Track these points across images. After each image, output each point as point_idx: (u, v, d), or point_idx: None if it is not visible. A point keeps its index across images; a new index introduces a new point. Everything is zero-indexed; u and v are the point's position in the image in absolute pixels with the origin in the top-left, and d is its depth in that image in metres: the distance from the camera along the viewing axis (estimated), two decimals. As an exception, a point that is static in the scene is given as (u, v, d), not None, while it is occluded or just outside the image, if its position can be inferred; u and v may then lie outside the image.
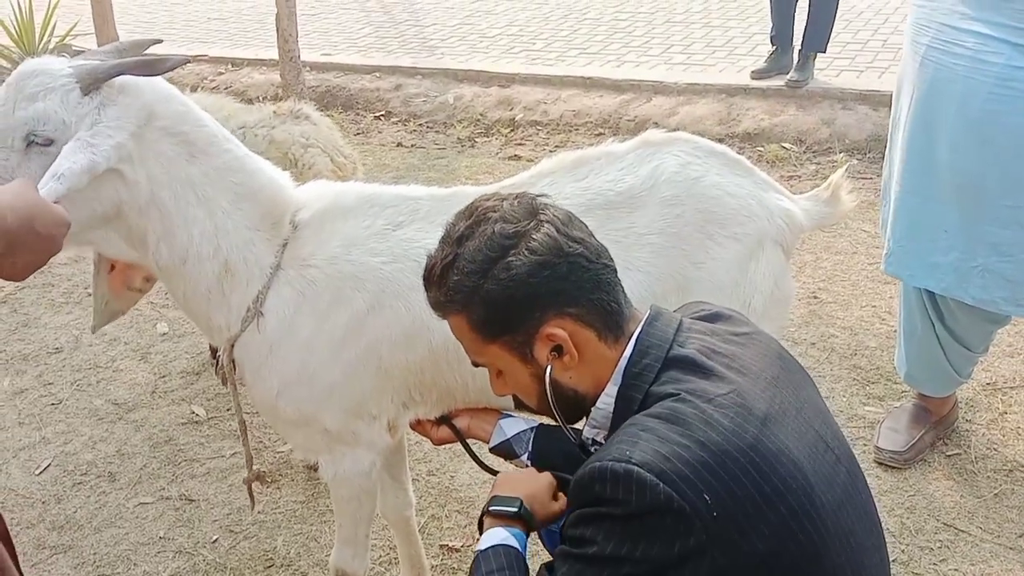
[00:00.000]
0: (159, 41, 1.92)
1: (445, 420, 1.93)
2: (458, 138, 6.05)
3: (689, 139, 2.03)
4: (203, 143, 1.78)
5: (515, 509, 1.53)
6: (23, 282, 4.37)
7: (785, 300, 2.08)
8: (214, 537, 2.80)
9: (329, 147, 2.95)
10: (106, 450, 3.22)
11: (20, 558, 1.67)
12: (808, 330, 3.59)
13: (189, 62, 2.02)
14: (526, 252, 1.36)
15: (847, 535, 1.34)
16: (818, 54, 5.68)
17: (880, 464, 2.87)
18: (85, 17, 7.62)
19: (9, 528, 1.66)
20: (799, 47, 5.68)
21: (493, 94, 6.41)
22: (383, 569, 2.63)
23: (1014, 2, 2.34)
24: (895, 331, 3.17)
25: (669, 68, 6.37)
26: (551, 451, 1.75)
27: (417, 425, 1.97)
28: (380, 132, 6.33)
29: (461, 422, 1.90)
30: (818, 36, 5.54)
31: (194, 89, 6.52)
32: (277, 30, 6.14)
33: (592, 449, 1.63)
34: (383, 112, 6.60)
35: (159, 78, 1.75)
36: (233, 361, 1.90)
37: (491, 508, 1.55)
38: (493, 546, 1.48)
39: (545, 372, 1.42)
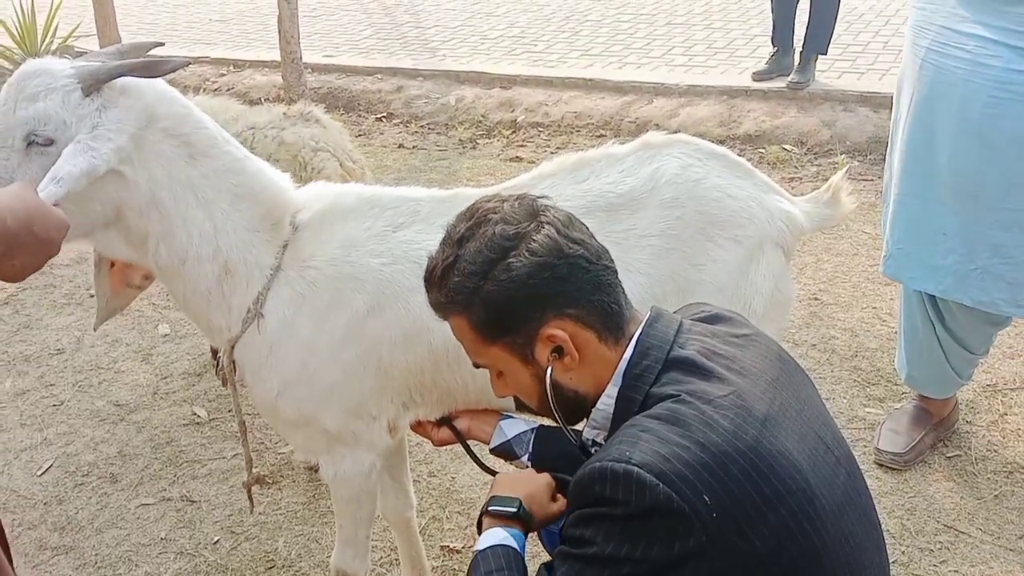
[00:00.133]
0: (160, 44, 1.92)
1: (445, 421, 1.93)
2: (459, 140, 6.06)
3: (690, 141, 2.03)
4: (203, 145, 1.78)
5: (514, 509, 1.53)
6: (24, 283, 4.38)
7: (785, 302, 2.08)
8: (215, 538, 2.80)
9: (339, 151, 2.93)
10: (108, 451, 3.23)
11: (22, 559, 1.67)
12: (809, 332, 3.59)
13: (190, 64, 2.03)
14: (527, 253, 1.37)
15: (847, 536, 1.34)
16: (819, 56, 5.68)
17: (880, 466, 2.87)
18: (87, 19, 7.63)
19: (10, 529, 1.66)
20: (800, 49, 5.69)
21: (495, 96, 6.41)
22: (384, 570, 2.64)
23: (1014, 5, 2.35)
24: (896, 333, 3.18)
25: (670, 70, 6.37)
26: (551, 452, 1.76)
27: (418, 426, 1.98)
28: (381, 134, 6.34)
29: (461, 423, 1.91)
30: (819, 38, 5.54)
31: (196, 91, 6.54)
32: (279, 32, 6.15)
33: (592, 450, 1.63)
34: (384, 114, 6.61)
35: (160, 80, 1.76)
36: (233, 362, 1.91)
37: (490, 508, 1.55)
38: (492, 546, 1.48)
39: (546, 373, 1.42)
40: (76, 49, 7.24)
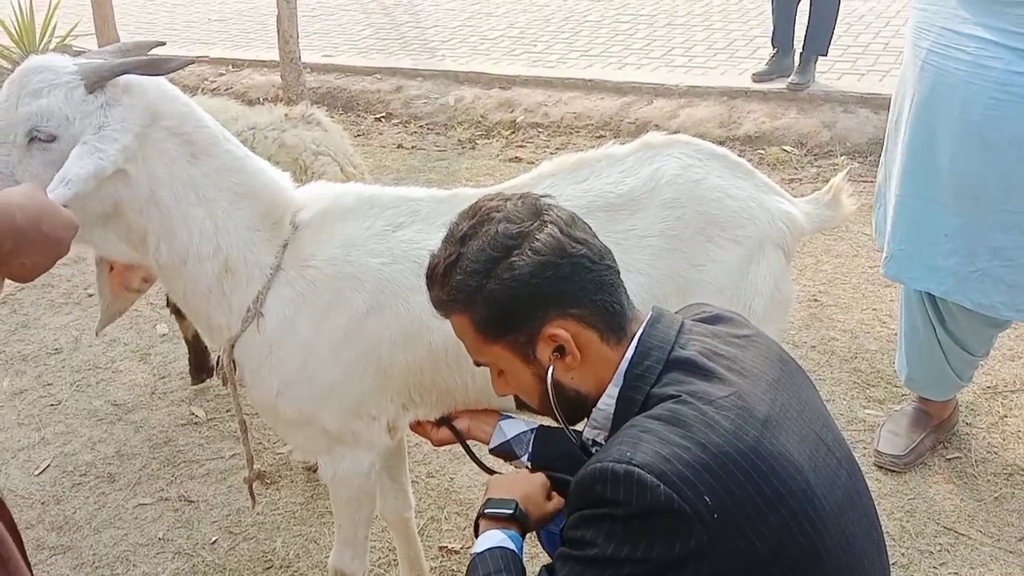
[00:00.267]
0: (162, 43, 1.92)
1: (445, 421, 1.93)
2: (459, 140, 6.06)
3: (690, 141, 2.03)
4: (205, 143, 1.78)
5: (511, 511, 1.53)
6: (22, 283, 4.37)
7: (785, 303, 2.08)
8: (213, 538, 2.80)
9: (340, 155, 2.90)
10: (105, 451, 3.22)
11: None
12: (808, 333, 3.59)
13: (193, 63, 2.03)
14: (529, 252, 1.36)
15: (848, 537, 1.34)
16: (819, 57, 5.68)
17: (880, 468, 2.87)
18: (86, 18, 7.63)
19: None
20: (800, 50, 5.69)
21: (494, 96, 6.41)
22: (382, 571, 2.63)
23: (1014, 7, 2.34)
24: (896, 334, 3.17)
25: (670, 71, 6.37)
26: (551, 452, 1.75)
27: (417, 426, 1.97)
28: (381, 134, 6.33)
29: (461, 423, 1.90)
30: (819, 39, 5.54)
31: (195, 90, 6.54)
32: (278, 32, 6.15)
33: (593, 450, 1.63)
34: (384, 114, 6.61)
35: (162, 78, 1.76)
36: (233, 361, 1.90)
37: (487, 511, 1.55)
38: (490, 548, 1.48)
39: (547, 372, 1.42)
40: (74, 48, 7.24)
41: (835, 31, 5.59)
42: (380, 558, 2.67)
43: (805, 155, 5.30)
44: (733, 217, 1.94)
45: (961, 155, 2.49)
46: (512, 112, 6.22)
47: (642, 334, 1.42)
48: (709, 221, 1.93)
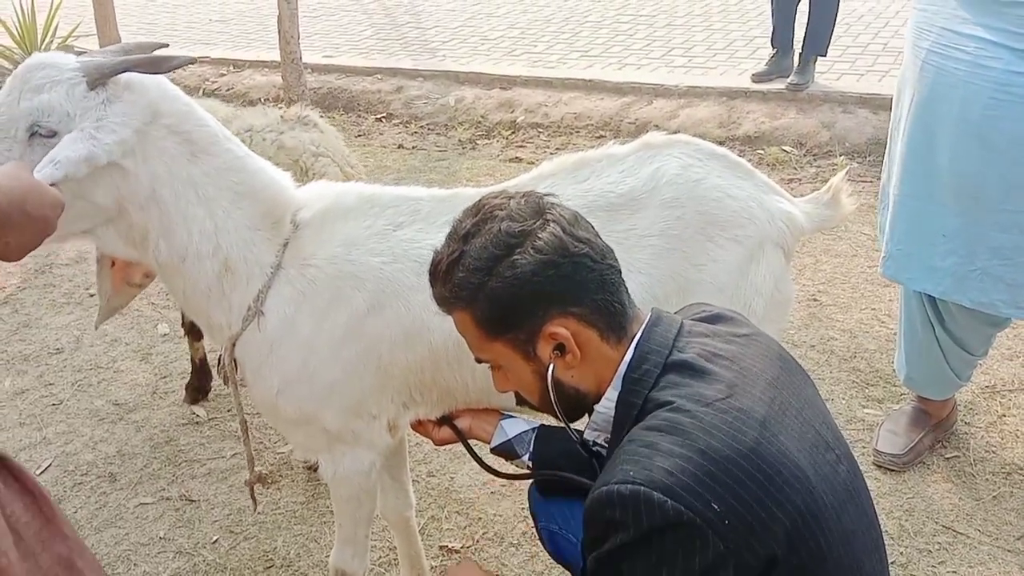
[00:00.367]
0: (164, 45, 1.92)
1: (446, 420, 1.93)
2: (459, 140, 6.06)
3: (690, 141, 2.03)
4: (205, 142, 1.79)
5: None
6: (24, 282, 4.38)
7: (785, 302, 2.08)
8: (214, 538, 2.80)
9: (338, 157, 2.90)
10: (107, 450, 3.22)
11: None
12: (808, 332, 3.59)
13: (194, 62, 2.03)
14: (532, 251, 1.37)
15: (849, 535, 1.34)
16: (819, 57, 5.69)
17: (879, 467, 2.87)
18: (87, 18, 7.63)
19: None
20: (800, 50, 5.69)
21: (494, 96, 6.42)
22: (383, 570, 2.64)
23: (1014, 7, 2.35)
24: (895, 334, 3.18)
25: (670, 71, 6.38)
26: (552, 451, 1.76)
27: (418, 426, 1.97)
28: (381, 134, 6.34)
29: (462, 422, 1.90)
30: (819, 39, 5.55)
31: (195, 91, 6.55)
32: (279, 32, 6.15)
33: (594, 449, 1.63)
34: (384, 114, 6.61)
35: (163, 77, 1.76)
36: (234, 360, 1.91)
37: None
38: None
39: (547, 370, 1.43)
40: (76, 49, 7.23)
41: (834, 31, 5.60)
42: (381, 557, 2.67)
43: (804, 155, 5.31)
44: (733, 217, 1.95)
45: (961, 155, 2.49)
46: (512, 112, 6.22)
47: (640, 337, 1.43)
48: (709, 221, 1.93)
